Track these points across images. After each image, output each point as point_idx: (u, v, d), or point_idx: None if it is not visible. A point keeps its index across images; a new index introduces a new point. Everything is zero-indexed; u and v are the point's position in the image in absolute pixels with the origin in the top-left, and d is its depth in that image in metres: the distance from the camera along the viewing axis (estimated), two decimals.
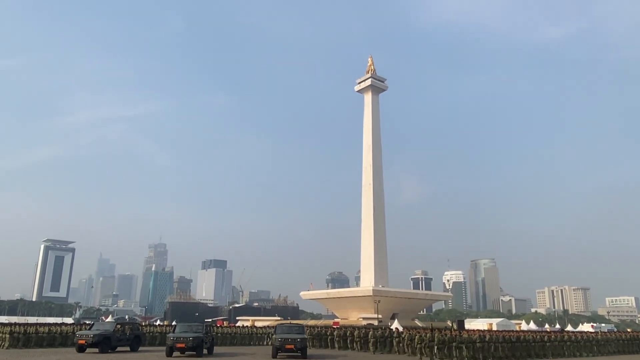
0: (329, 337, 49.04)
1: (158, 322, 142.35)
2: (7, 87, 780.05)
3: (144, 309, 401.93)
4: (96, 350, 36.61)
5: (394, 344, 42.43)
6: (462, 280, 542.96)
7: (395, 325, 71.36)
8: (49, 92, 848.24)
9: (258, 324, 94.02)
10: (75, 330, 45.44)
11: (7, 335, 42.05)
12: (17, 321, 73.91)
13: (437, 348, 35.72)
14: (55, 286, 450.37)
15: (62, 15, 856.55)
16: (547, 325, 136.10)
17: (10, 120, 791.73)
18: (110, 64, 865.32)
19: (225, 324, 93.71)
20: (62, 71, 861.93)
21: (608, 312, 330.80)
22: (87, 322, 65.42)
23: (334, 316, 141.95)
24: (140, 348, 41.44)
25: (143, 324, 65.05)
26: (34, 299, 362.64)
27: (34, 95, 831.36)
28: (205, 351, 37.41)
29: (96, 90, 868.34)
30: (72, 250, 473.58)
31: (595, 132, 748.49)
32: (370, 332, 44.97)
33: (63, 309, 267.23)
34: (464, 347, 35.63)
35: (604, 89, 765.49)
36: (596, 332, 52.67)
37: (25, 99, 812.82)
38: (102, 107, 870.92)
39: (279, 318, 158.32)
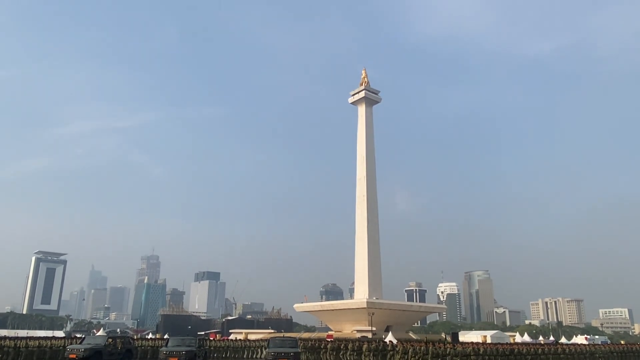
0: (323, 350, 48.73)
1: (150, 336, 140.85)
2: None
3: (136, 321, 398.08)
4: None
5: (388, 357, 42.22)
6: (456, 292, 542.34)
7: (390, 337, 71.12)
8: (42, 103, 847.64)
9: (251, 336, 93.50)
10: (66, 344, 44.92)
11: None
12: (7, 334, 72.98)
13: None
14: (46, 299, 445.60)
15: (55, 27, 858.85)
16: (541, 337, 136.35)
17: (2, 131, 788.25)
18: (104, 75, 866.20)
19: (218, 337, 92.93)
20: (55, 82, 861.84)
21: (602, 324, 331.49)
22: (78, 336, 64.65)
23: (328, 329, 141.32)
24: None
25: (135, 337, 64.36)
26: (24, 312, 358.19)
27: (26, 106, 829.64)
28: None
29: (89, 101, 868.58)
30: (64, 262, 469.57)
31: (587, 145, 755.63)
32: (365, 345, 44.75)
33: (54, 322, 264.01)
34: None
35: (595, 101, 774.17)
36: (590, 344, 52.72)
37: (18, 109, 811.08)
38: (95, 118, 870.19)
39: (272, 331, 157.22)
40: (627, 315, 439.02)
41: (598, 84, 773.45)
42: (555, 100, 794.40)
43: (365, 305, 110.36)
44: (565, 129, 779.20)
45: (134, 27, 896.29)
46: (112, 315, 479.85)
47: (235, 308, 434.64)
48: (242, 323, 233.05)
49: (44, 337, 57.95)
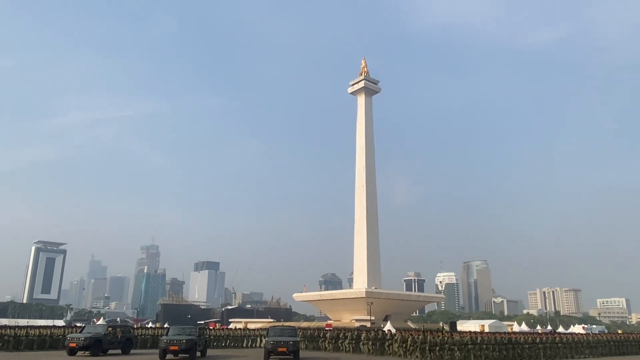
0: (322, 340, 48.99)
1: (150, 325, 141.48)
2: None
3: (135, 311, 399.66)
4: (87, 353, 36.45)
5: (387, 346, 42.50)
6: (454, 281, 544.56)
7: (388, 327, 71.47)
8: (41, 93, 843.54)
9: (251, 326, 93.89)
10: (66, 333, 45.14)
11: None
12: (7, 324, 73.32)
13: (429, 350, 35.84)
14: (46, 288, 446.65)
15: (55, 16, 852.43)
16: (538, 327, 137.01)
17: (1, 121, 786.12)
18: (103, 64, 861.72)
19: (217, 326, 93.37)
20: (55, 72, 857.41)
21: (599, 314, 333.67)
22: (79, 325, 64.95)
23: (327, 318, 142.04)
24: (132, 351, 41.31)
25: (135, 326, 64.66)
26: (24, 301, 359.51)
27: (25, 96, 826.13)
28: (198, 354, 37.33)
29: (89, 91, 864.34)
30: (64, 251, 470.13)
31: (587, 135, 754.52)
32: (363, 334, 45.00)
33: (54, 311, 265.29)
34: (455, 349, 35.79)
35: (596, 91, 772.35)
36: (587, 334, 53.02)
37: (17, 99, 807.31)
38: (95, 108, 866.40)
39: (271, 320, 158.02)
40: (625, 305, 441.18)
41: (598, 74, 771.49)
42: (556, 91, 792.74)
43: (364, 295, 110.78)
44: (565, 120, 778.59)
45: (132, 16, 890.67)
46: (112, 305, 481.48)
47: (235, 297, 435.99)
48: (241, 312, 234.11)
49: (44, 326, 58.22)
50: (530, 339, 41.29)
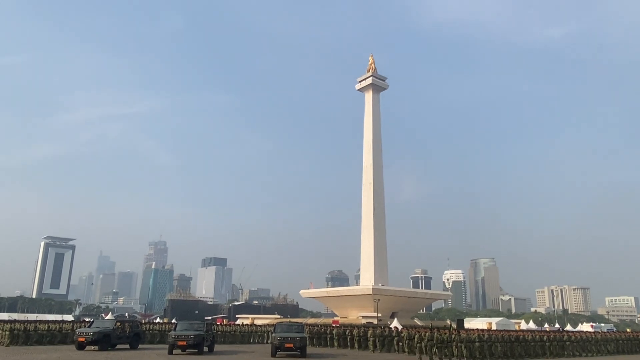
0: (329, 336, 49.01)
1: (158, 320, 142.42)
2: (7, 84, 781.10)
3: (143, 306, 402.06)
4: (96, 347, 36.70)
5: (394, 343, 42.48)
6: (461, 279, 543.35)
7: (395, 324, 71.42)
8: (49, 90, 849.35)
9: (258, 322, 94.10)
10: (75, 328, 45.46)
11: (8, 333, 42.10)
12: (17, 318, 74.02)
13: (436, 347, 35.78)
14: (55, 283, 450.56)
15: (63, 13, 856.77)
16: (546, 325, 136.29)
17: (10, 117, 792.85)
18: (111, 61, 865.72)
19: (225, 322, 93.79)
20: (63, 68, 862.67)
21: (607, 312, 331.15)
22: (87, 320, 65.42)
23: (333, 315, 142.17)
24: (140, 346, 41.54)
25: (143, 321, 65.03)
26: (33, 296, 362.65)
27: (34, 93, 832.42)
28: (206, 349, 37.49)
29: (96, 88, 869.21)
30: (73, 247, 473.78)
31: (595, 132, 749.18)
32: (370, 331, 44.97)
33: (63, 306, 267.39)
34: (462, 347, 35.72)
35: (603, 89, 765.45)
36: (595, 332, 52.70)
37: (25, 96, 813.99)
38: (103, 105, 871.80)
39: (278, 316, 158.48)
40: (633, 304, 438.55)
41: (607, 70, 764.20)
42: (564, 88, 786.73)
43: (371, 292, 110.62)
44: (572, 117, 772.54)
45: (141, 14, 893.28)
46: (120, 300, 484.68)
47: (242, 294, 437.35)
48: (248, 308, 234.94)
49: (53, 320, 58.62)
50: (537, 337, 41.12)
